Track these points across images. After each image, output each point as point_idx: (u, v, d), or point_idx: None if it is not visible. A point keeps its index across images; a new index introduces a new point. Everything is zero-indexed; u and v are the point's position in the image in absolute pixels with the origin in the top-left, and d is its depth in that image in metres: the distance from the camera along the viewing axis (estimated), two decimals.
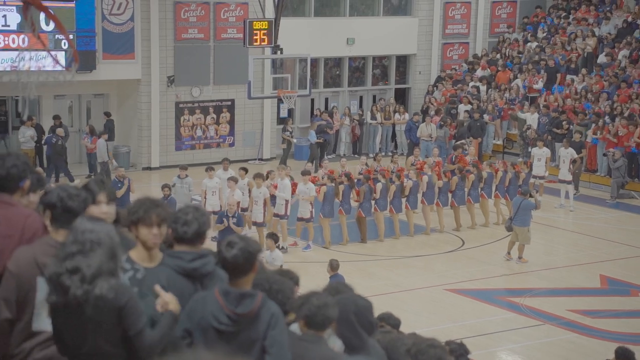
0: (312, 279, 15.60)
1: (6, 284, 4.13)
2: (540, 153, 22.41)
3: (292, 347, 4.26)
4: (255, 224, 17.98)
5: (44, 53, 16.58)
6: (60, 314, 3.82)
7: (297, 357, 4.30)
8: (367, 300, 4.75)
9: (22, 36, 18.99)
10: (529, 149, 24.01)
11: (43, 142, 23.81)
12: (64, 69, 20.02)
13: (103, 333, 3.83)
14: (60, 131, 23.45)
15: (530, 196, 17.77)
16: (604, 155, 23.99)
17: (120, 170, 19.56)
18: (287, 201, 17.99)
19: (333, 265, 13.08)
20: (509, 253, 17.85)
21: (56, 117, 24.29)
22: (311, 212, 18.18)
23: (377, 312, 8.40)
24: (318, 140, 25.72)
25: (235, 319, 4.05)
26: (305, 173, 18.64)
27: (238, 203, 17.47)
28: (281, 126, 26.83)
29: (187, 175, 18.89)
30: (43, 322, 4.05)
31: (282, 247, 18.14)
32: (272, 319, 4.14)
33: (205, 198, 18.39)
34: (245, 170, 19.02)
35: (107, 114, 25.41)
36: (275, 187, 18.27)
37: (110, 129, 24.95)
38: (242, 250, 4.07)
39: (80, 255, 3.77)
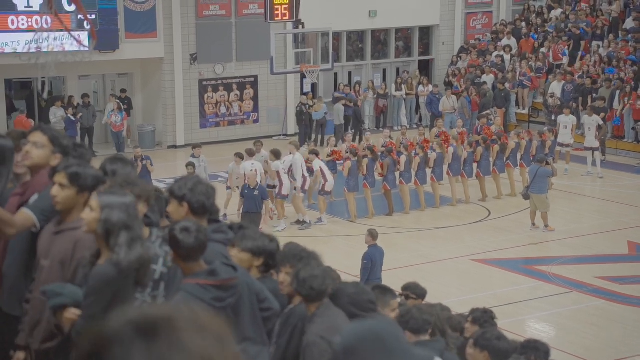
0: (336, 253, 15.71)
1: None
2: (566, 120, 22.25)
3: (316, 327, 4.34)
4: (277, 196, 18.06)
5: (65, 33, 16.69)
6: None
7: (328, 331, 4.36)
8: (353, 285, 4.81)
9: (44, 17, 19.09)
10: (552, 117, 23.86)
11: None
12: (86, 49, 20.24)
13: None
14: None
15: (547, 163, 17.72)
16: (633, 129, 23.76)
17: (138, 150, 19.46)
18: (305, 176, 17.97)
19: (373, 234, 12.98)
20: (534, 224, 17.79)
21: (85, 96, 24.56)
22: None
23: (403, 284, 8.46)
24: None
25: (233, 286, 4.11)
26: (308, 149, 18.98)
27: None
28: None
29: (201, 154, 18.72)
30: None
31: (305, 222, 18.16)
32: (246, 276, 4.25)
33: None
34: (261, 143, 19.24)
35: (123, 91, 25.76)
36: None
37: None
38: (196, 239, 4.05)
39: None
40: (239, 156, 18.47)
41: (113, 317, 1.66)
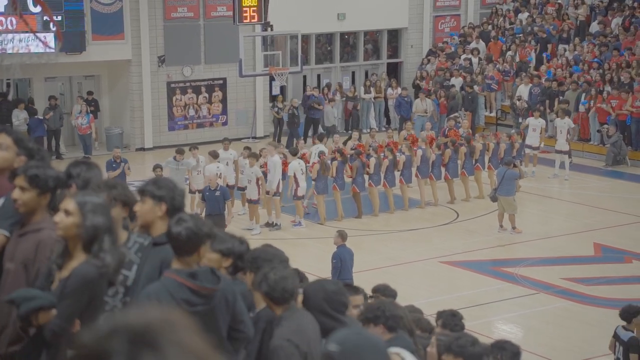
0: (307, 255, 15.70)
1: None
2: (535, 123, 22.40)
3: (283, 331, 4.30)
4: (249, 201, 18.02)
5: (30, 35, 16.55)
6: None
7: (296, 334, 4.32)
8: (335, 283, 4.78)
9: (9, 18, 18.86)
10: (520, 120, 24.03)
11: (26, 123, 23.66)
12: (52, 50, 20.06)
13: None
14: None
15: (514, 166, 17.89)
16: (598, 131, 23.98)
17: (117, 150, 19.40)
18: (279, 179, 17.98)
19: (342, 235, 13.11)
20: (501, 226, 17.91)
21: (52, 98, 24.30)
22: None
23: (373, 286, 8.47)
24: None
25: (209, 295, 4.05)
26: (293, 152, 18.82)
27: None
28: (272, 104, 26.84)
29: (183, 159, 18.41)
30: None
31: (276, 224, 18.17)
32: (230, 293, 4.17)
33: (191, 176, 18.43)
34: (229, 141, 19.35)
35: (90, 93, 25.55)
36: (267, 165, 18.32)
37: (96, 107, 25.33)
38: (187, 229, 3.99)
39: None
40: (194, 147, 18.47)
41: (97, 329, 1.59)
